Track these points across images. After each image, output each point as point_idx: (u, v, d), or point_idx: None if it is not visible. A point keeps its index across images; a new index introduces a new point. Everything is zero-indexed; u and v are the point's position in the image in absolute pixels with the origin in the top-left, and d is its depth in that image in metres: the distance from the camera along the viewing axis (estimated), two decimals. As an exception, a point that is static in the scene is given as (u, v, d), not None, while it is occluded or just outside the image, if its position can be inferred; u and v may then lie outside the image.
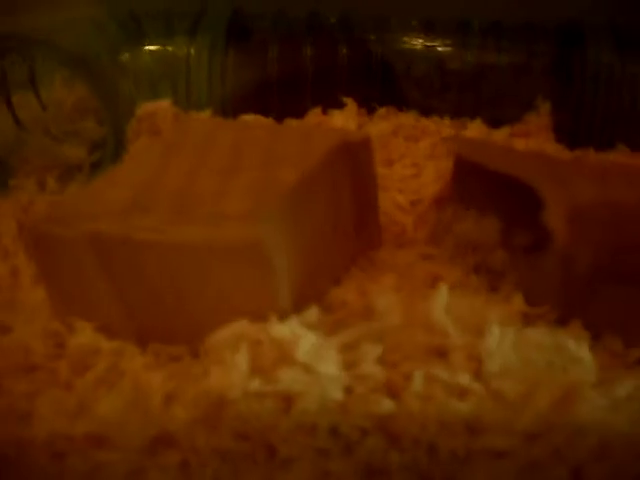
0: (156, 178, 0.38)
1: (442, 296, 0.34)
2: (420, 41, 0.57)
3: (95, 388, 0.33)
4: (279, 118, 0.57)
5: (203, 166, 0.39)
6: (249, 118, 0.56)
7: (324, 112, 0.56)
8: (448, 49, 0.57)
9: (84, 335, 0.36)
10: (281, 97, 0.57)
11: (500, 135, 0.55)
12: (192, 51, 0.58)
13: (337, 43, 0.57)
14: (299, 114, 0.57)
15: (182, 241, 0.34)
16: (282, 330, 0.32)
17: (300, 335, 0.32)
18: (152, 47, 0.59)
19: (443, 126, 0.55)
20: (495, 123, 0.56)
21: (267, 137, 0.42)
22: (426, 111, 0.57)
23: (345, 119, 0.54)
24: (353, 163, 0.41)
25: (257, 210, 0.34)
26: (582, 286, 0.38)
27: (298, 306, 0.36)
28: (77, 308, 0.37)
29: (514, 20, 0.59)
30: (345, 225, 0.42)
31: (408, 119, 0.55)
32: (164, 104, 0.56)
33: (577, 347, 0.32)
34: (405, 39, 0.58)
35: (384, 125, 0.54)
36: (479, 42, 0.57)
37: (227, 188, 0.37)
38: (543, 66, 0.57)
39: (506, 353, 0.32)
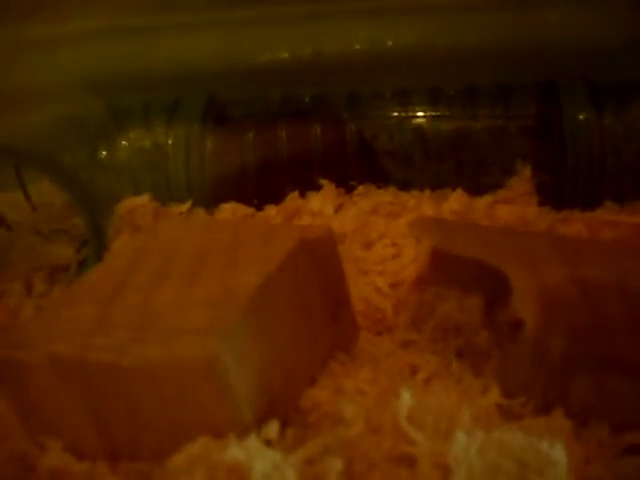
0: (118, 292, 0.38)
1: (406, 402, 0.32)
2: (395, 113, 0.57)
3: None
4: (259, 204, 0.56)
5: (166, 275, 0.39)
6: (228, 207, 0.56)
7: (302, 195, 0.56)
8: (424, 119, 0.57)
9: (54, 456, 0.36)
10: (260, 182, 0.57)
11: (482, 203, 0.54)
12: (169, 141, 0.58)
13: (311, 123, 0.56)
14: (278, 198, 0.56)
15: (137, 363, 0.33)
16: (238, 452, 0.31)
17: (257, 456, 0.31)
18: (130, 141, 0.59)
19: (423, 200, 0.54)
20: (478, 191, 0.55)
21: (230, 239, 0.42)
22: (406, 185, 0.56)
23: (323, 202, 0.54)
24: (317, 259, 0.40)
25: (213, 325, 0.34)
26: (558, 373, 0.36)
27: (269, 414, 0.35)
28: (46, 426, 0.36)
29: (488, 83, 0.58)
30: (317, 321, 0.41)
31: (387, 195, 0.54)
32: (143, 200, 0.56)
33: (550, 448, 0.31)
34: (380, 112, 0.57)
35: (363, 204, 0.53)
36: (455, 109, 0.57)
37: (187, 299, 0.37)
38: (521, 128, 0.56)
39: (473, 461, 0.30)
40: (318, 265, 0.40)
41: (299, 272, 0.39)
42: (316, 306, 0.41)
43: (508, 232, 0.42)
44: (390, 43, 0.62)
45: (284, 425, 0.35)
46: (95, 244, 0.55)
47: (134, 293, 0.38)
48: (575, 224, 0.53)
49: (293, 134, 0.57)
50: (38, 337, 0.35)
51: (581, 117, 0.55)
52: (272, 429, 0.33)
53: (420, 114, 0.57)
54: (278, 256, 0.38)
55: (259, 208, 0.56)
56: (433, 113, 0.57)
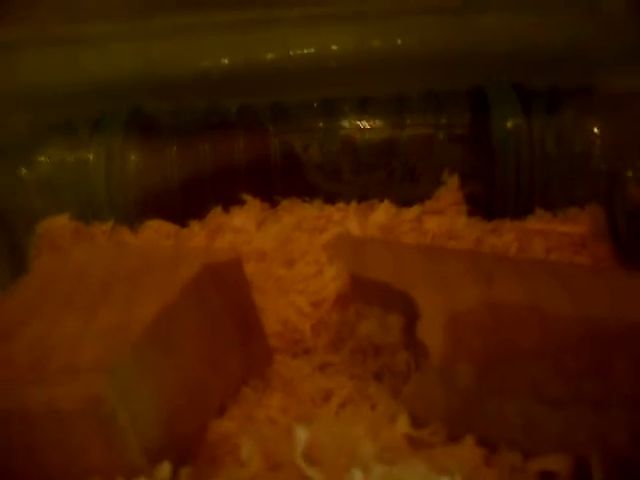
0: (23, 322, 0.37)
1: (301, 439, 0.31)
2: (322, 124, 0.55)
3: None
4: (183, 220, 0.55)
5: (70, 304, 0.38)
6: (152, 224, 0.54)
7: (226, 210, 0.54)
8: (353, 128, 0.55)
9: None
10: (184, 198, 0.55)
11: (410, 215, 0.52)
12: (90, 156, 0.56)
13: (235, 136, 0.55)
14: (202, 214, 0.55)
15: (24, 407, 0.32)
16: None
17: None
18: (51, 156, 0.57)
19: (349, 212, 0.52)
20: (407, 202, 0.54)
21: (136, 265, 0.40)
22: (334, 198, 0.54)
23: (245, 217, 0.52)
24: (222, 284, 0.39)
25: (102, 361, 0.32)
26: (468, 400, 0.35)
27: (168, 450, 0.34)
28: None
29: (418, 90, 0.57)
30: (225, 347, 0.40)
31: (312, 209, 0.53)
32: (62, 219, 0.54)
33: (451, 481, 0.30)
34: (306, 123, 0.56)
35: (287, 219, 0.52)
36: (384, 118, 0.55)
37: (85, 332, 0.35)
38: (451, 136, 0.55)
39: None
40: (224, 290, 0.39)
41: (203, 298, 0.38)
42: (224, 332, 0.39)
43: (423, 251, 0.41)
44: (320, 50, 0.61)
45: (184, 462, 0.34)
46: (13, 266, 0.53)
47: (36, 326, 0.37)
48: (505, 234, 0.52)
49: (216, 147, 0.55)
50: None
51: (509, 124, 0.54)
52: (164, 471, 0.31)
53: (348, 124, 0.55)
54: (180, 283, 0.37)
55: (183, 224, 0.54)
56: (362, 122, 0.55)
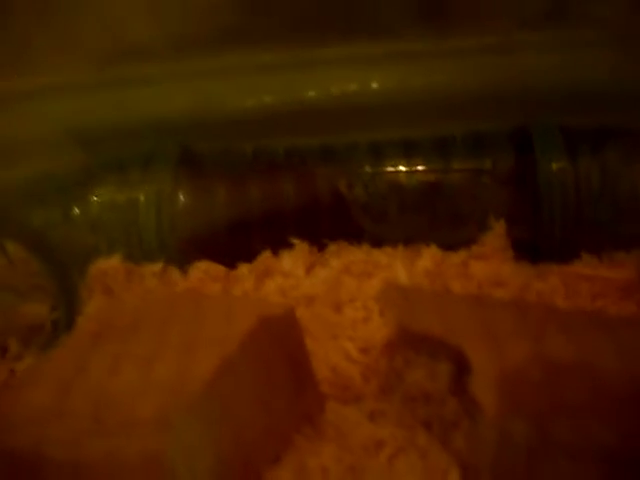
0: (78, 373, 0.38)
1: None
2: (368, 167, 0.56)
3: None
4: (232, 262, 0.56)
5: (125, 356, 0.39)
6: (201, 266, 0.55)
7: (275, 253, 0.55)
8: (399, 172, 0.56)
9: None
10: (232, 240, 0.56)
11: (456, 259, 0.53)
12: (141, 197, 0.57)
13: (283, 179, 0.56)
14: (251, 256, 0.56)
15: (86, 459, 0.33)
16: None
17: None
18: (102, 197, 0.58)
19: (396, 257, 0.53)
20: (452, 245, 0.54)
21: (191, 314, 0.41)
22: (380, 240, 0.55)
23: (294, 262, 0.53)
24: (278, 336, 0.40)
25: (163, 416, 0.33)
26: (520, 458, 0.36)
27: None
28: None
29: (462, 133, 0.58)
30: (280, 398, 0.40)
31: (360, 253, 0.54)
32: (114, 261, 0.55)
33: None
34: (353, 166, 0.57)
35: (335, 263, 0.53)
36: (429, 161, 0.56)
37: (143, 384, 0.36)
38: (495, 180, 0.55)
39: None
40: (279, 341, 0.40)
41: (259, 352, 0.39)
42: (279, 383, 0.40)
43: (471, 303, 0.41)
44: (365, 91, 0.62)
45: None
46: (65, 307, 0.54)
47: (94, 376, 0.38)
48: (551, 279, 0.52)
49: (264, 190, 0.56)
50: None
51: (555, 167, 0.54)
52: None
53: (394, 168, 0.56)
54: (237, 337, 0.38)
55: (232, 266, 0.55)
56: (407, 167, 0.56)
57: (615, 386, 0.35)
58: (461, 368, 0.40)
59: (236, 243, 0.56)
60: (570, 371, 0.36)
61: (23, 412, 0.36)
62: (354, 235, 0.56)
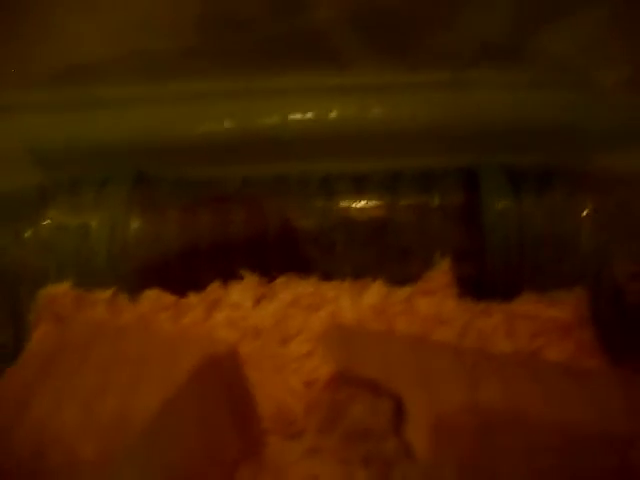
0: (20, 412, 0.38)
1: None
2: (318, 201, 0.57)
3: None
4: (182, 290, 0.56)
5: (70, 392, 0.39)
6: (151, 294, 0.56)
7: (225, 283, 0.56)
8: (349, 206, 0.57)
9: None
10: (183, 269, 0.57)
11: (401, 295, 0.54)
12: (93, 223, 0.58)
13: (233, 210, 0.57)
14: (202, 286, 0.56)
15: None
16: None
17: None
18: (55, 220, 0.59)
19: (343, 291, 0.54)
20: (399, 281, 0.56)
21: (138, 349, 0.42)
22: (328, 273, 0.56)
23: (242, 293, 0.54)
24: (221, 373, 0.41)
25: (105, 457, 0.34)
26: (451, 503, 0.37)
27: None
28: None
29: (412, 167, 0.59)
30: (222, 435, 0.41)
31: (307, 286, 0.55)
32: (63, 287, 0.55)
33: None
34: (303, 199, 0.58)
35: (283, 295, 0.54)
36: (377, 197, 0.57)
37: (87, 422, 0.37)
38: (443, 217, 0.57)
39: None
40: (222, 380, 0.41)
41: (202, 390, 0.40)
42: (221, 421, 0.41)
43: (412, 345, 0.43)
44: (321, 121, 0.63)
45: None
46: (13, 331, 0.55)
47: (37, 412, 0.38)
48: (494, 316, 0.53)
49: (215, 220, 0.57)
50: None
51: (500, 206, 0.56)
52: None
53: (345, 202, 0.57)
54: (181, 376, 0.39)
55: (182, 294, 0.56)
56: (358, 201, 0.57)
57: (545, 433, 0.37)
58: (401, 409, 0.41)
59: (186, 272, 0.57)
60: (501, 418, 0.37)
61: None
62: (303, 267, 0.56)
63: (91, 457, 0.34)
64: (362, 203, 0.58)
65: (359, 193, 0.58)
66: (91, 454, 0.34)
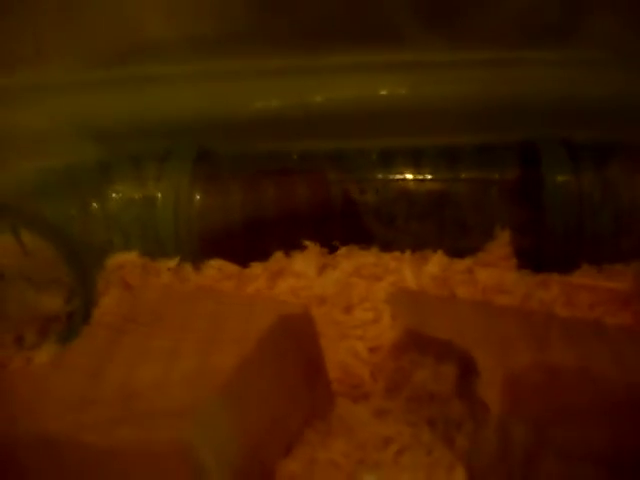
0: (103, 365, 0.40)
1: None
2: (380, 175, 0.58)
3: None
4: (245, 261, 0.58)
5: (148, 350, 0.41)
6: (215, 264, 0.57)
7: (287, 254, 0.57)
8: (408, 180, 0.58)
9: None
10: (246, 239, 0.58)
11: (462, 266, 0.55)
12: (158, 195, 0.59)
13: (296, 183, 0.58)
14: (264, 256, 0.57)
15: (114, 446, 0.34)
16: None
17: None
18: (120, 193, 0.60)
19: (404, 262, 0.55)
20: (458, 253, 0.56)
21: (211, 312, 0.43)
22: (389, 245, 0.57)
23: (306, 263, 0.55)
24: (294, 335, 0.42)
25: (189, 408, 0.35)
26: (523, 460, 0.38)
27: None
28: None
29: (470, 143, 0.60)
30: (294, 393, 0.42)
31: (369, 257, 0.56)
32: (131, 256, 0.57)
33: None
34: (364, 172, 0.59)
35: (345, 265, 0.55)
36: (436, 170, 0.58)
37: (166, 377, 0.38)
38: (502, 190, 0.57)
39: None
40: (296, 341, 0.42)
41: (276, 350, 0.41)
42: (293, 379, 0.42)
43: (478, 309, 0.43)
44: (376, 98, 0.64)
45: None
46: (82, 298, 0.56)
47: (119, 367, 0.39)
48: (552, 288, 0.54)
49: (278, 192, 0.58)
50: (27, 412, 0.37)
51: (560, 180, 0.56)
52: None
53: (403, 175, 0.58)
54: (256, 335, 0.40)
55: (245, 265, 0.57)
56: (416, 175, 0.58)
57: (612, 392, 0.37)
58: (466, 371, 0.42)
59: (250, 242, 0.58)
60: (570, 377, 0.38)
61: (53, 399, 0.37)
62: (364, 239, 0.57)
63: (175, 407, 0.35)
64: (421, 177, 0.58)
65: (418, 167, 0.59)
66: (175, 405, 0.36)
